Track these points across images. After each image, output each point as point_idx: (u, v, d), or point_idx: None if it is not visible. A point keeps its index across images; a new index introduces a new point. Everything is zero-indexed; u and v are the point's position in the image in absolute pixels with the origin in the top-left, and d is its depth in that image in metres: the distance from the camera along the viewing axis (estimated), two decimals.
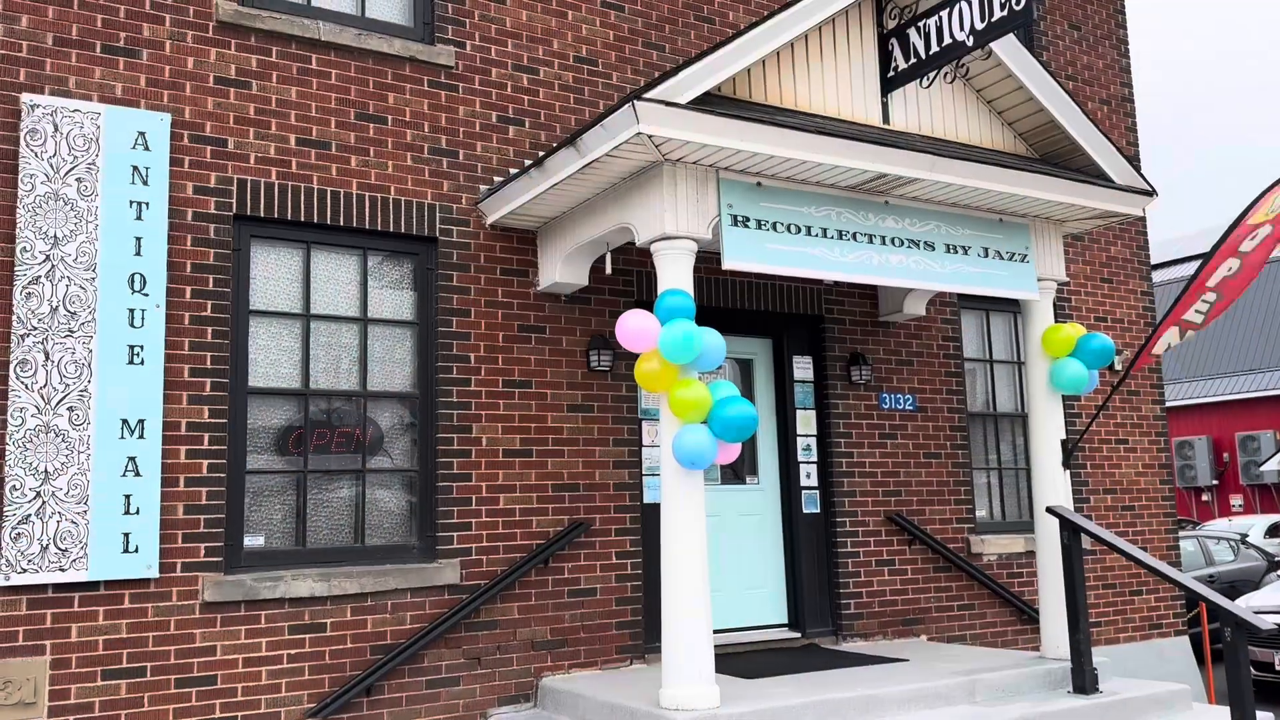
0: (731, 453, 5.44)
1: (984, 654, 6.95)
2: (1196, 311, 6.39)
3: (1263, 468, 26.99)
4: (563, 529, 6.52)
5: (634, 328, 5.25)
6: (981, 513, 8.55)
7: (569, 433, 6.68)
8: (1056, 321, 7.21)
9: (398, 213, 6.31)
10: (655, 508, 7.01)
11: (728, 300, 7.44)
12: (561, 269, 6.48)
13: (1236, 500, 28.81)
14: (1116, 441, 9.32)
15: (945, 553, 7.97)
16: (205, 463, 5.60)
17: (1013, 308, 8.95)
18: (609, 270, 6.33)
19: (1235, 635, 5.41)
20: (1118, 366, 9.40)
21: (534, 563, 6.34)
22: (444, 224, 6.45)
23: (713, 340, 5.32)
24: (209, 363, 5.69)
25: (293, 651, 5.67)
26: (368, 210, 6.23)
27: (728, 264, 5.63)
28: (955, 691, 6.00)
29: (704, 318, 7.40)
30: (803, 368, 7.84)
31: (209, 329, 5.72)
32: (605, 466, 6.77)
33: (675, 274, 5.55)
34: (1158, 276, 32.02)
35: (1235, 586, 12.93)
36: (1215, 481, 29.08)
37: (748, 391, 7.71)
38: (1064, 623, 6.53)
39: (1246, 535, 16.94)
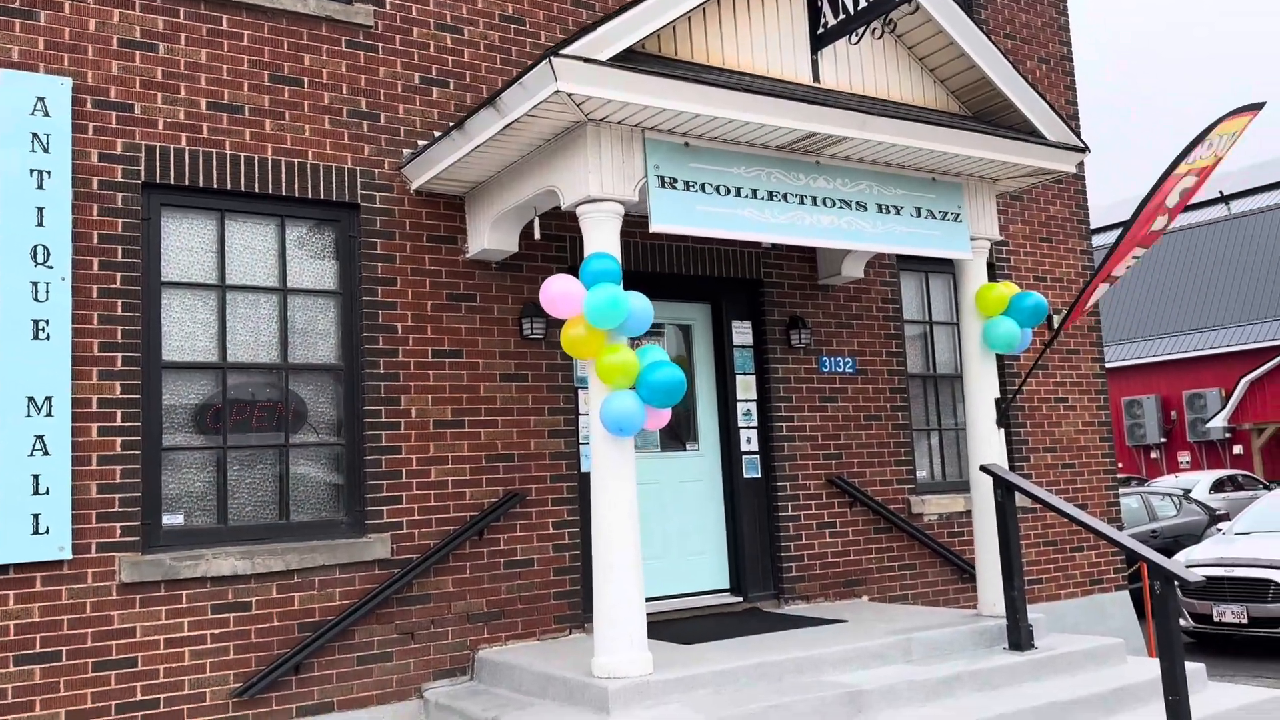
0: (661, 418, 5.36)
1: (922, 613, 6.98)
2: (1125, 266, 6.40)
3: (1209, 425, 27.54)
4: (497, 500, 6.42)
5: (558, 292, 5.14)
6: (922, 473, 8.58)
7: (502, 402, 6.56)
8: (995, 281, 7.18)
9: (316, 178, 6.12)
10: (588, 475, 6.91)
11: (665, 265, 7.34)
12: (490, 235, 6.33)
13: (1184, 457, 29.40)
14: (1056, 400, 9.38)
15: (886, 514, 7.98)
16: (119, 440, 5.42)
17: (952, 269, 8.93)
18: (537, 235, 6.19)
19: (1165, 589, 5.44)
20: (1055, 324, 9.43)
21: (468, 535, 6.24)
22: (366, 190, 6.27)
23: (639, 304, 5.22)
24: (120, 337, 5.49)
25: (216, 631, 5.53)
26: (284, 176, 6.03)
27: (655, 227, 5.52)
28: (891, 651, 6.01)
29: (640, 283, 7.29)
30: (742, 333, 7.78)
31: (119, 302, 5.52)
32: (540, 436, 6.67)
33: (601, 238, 5.43)
34: (1101, 240, 32.42)
35: (1178, 541, 13.17)
36: (1164, 439, 29.63)
37: (687, 358, 7.64)
38: (1000, 581, 6.56)
39: (1189, 491, 17.26)
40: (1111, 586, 9.48)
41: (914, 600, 8.11)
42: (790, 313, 7.88)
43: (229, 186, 5.88)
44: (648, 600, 7.09)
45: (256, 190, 5.95)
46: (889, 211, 6.41)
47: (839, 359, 8.07)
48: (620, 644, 5.19)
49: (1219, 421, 26.85)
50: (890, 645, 6.01)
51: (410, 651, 6.04)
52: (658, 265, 7.31)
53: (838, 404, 8.00)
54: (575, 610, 6.64)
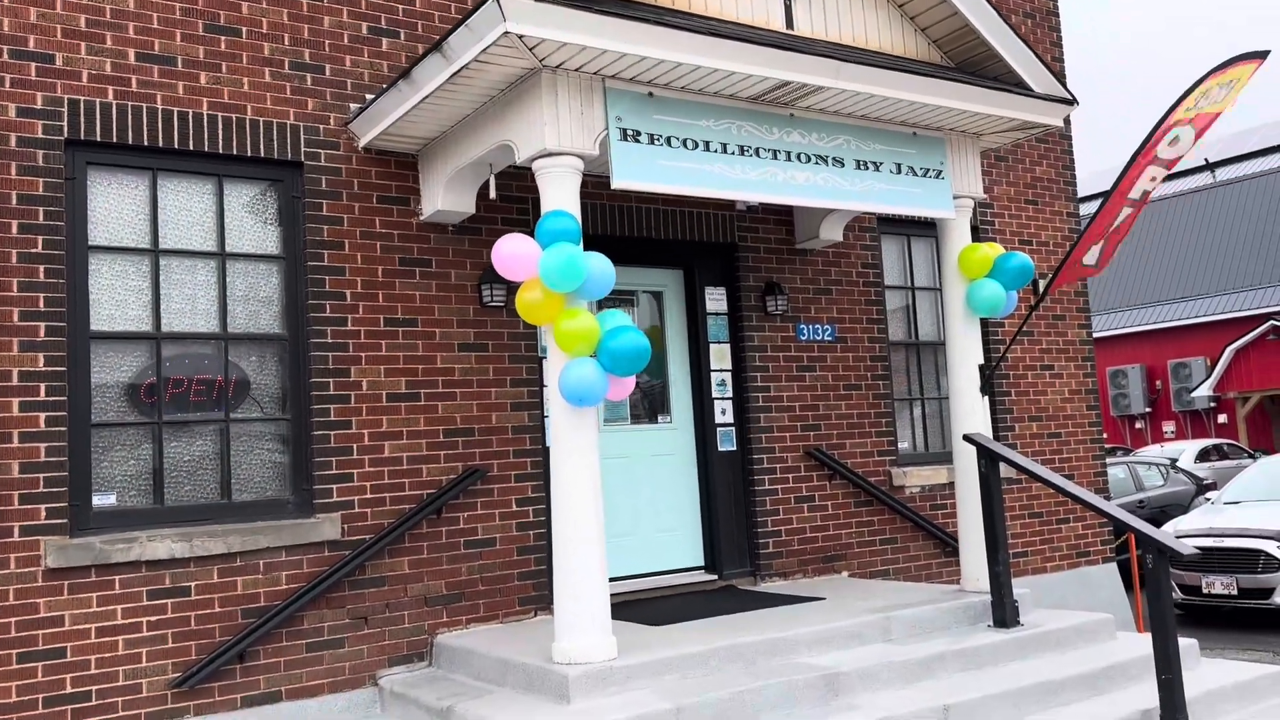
0: (624, 388, 5.03)
1: (903, 589, 6.69)
2: (1110, 228, 6.08)
3: (1194, 394, 27.42)
4: (456, 476, 6.08)
5: (510, 253, 4.78)
6: (904, 445, 8.28)
7: (461, 374, 6.21)
8: (978, 243, 6.83)
9: (256, 135, 5.72)
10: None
11: (634, 229, 6.97)
12: (444, 195, 5.95)
13: (1169, 427, 29.30)
14: (1042, 368, 9.08)
15: (867, 486, 7.69)
16: (42, 416, 5.05)
17: (935, 231, 8.58)
18: (493, 194, 5.81)
19: (1157, 561, 5.16)
20: (1042, 288, 9.12)
21: (425, 514, 5.90)
22: (310, 147, 5.88)
23: (599, 266, 4.87)
24: (42, 305, 5.11)
25: (153, 619, 5.19)
26: (221, 133, 5.63)
27: (617, 183, 5.16)
28: (870, 630, 5.72)
29: (608, 247, 6.93)
30: (716, 299, 7.43)
31: (41, 268, 5.13)
32: (502, 409, 6.32)
33: (559, 195, 5.07)
34: (1090, 209, 32.14)
35: (1165, 511, 12.96)
36: (1148, 409, 29.53)
37: (659, 325, 7.29)
38: (984, 555, 6.27)
39: (1176, 460, 17.08)
40: (1099, 558, 9.24)
41: (896, 575, 7.83)
42: (766, 278, 7.54)
43: (161, 144, 5.47)
44: (617, 580, 6.79)
45: (191, 148, 5.55)
46: (868, 168, 6.06)
47: (817, 326, 7.74)
48: (582, 628, 4.87)
49: (1204, 391, 26.73)
50: (869, 624, 5.72)
51: (364, 637, 5.72)
52: (627, 229, 6.95)
53: (816, 373, 7.68)
54: (541, 591, 6.32)
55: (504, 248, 4.78)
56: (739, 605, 6.32)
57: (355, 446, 5.82)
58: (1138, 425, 29.88)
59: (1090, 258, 6.27)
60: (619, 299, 7.11)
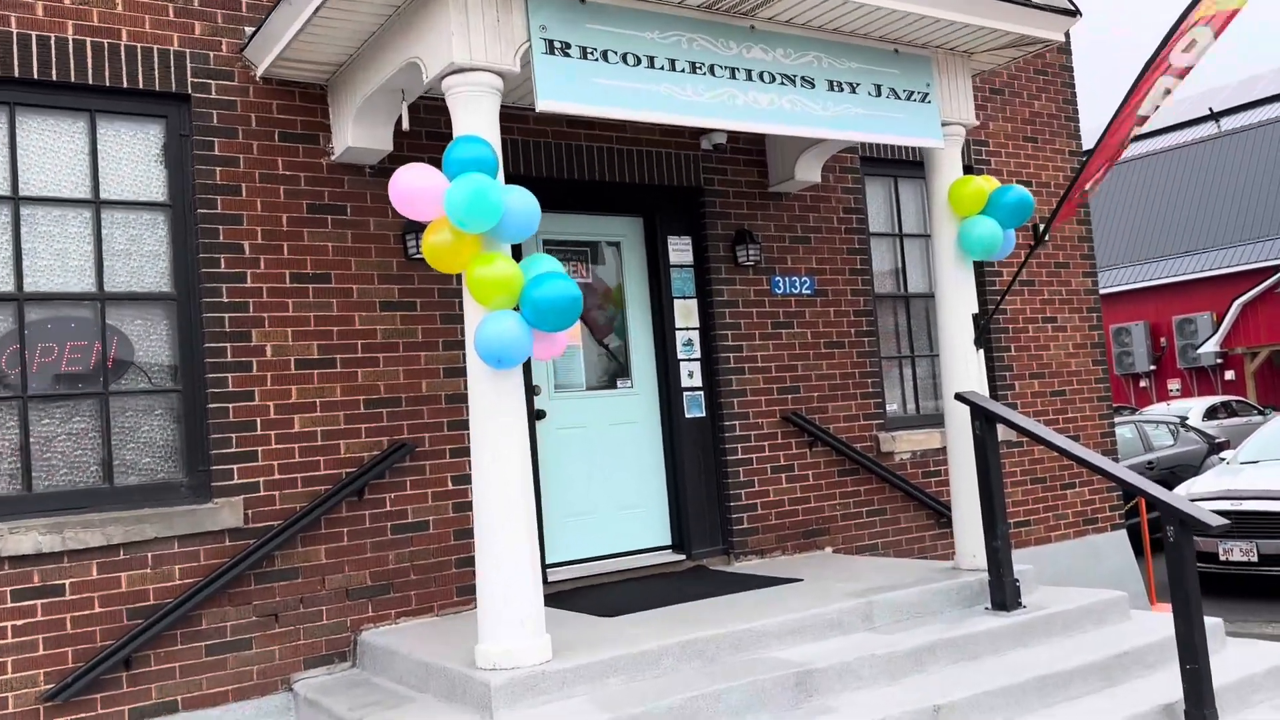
0: (552, 346, 4.29)
1: (890, 567, 5.99)
2: (1123, 145, 5.32)
3: (1200, 350, 26.66)
4: (381, 453, 5.36)
5: (409, 186, 4.02)
6: (893, 407, 7.55)
7: (384, 336, 5.47)
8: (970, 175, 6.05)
9: (133, 63, 4.95)
10: None
11: (585, 171, 6.21)
12: (354, 130, 5.19)
13: (1174, 385, 28.57)
14: (1044, 320, 8.33)
15: (851, 454, 6.97)
16: None
17: (925, 171, 7.80)
18: (405, 125, 5.04)
19: (1179, 534, 4.44)
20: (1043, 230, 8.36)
21: (344, 495, 5.19)
22: (199, 77, 5.10)
23: (520, 202, 4.11)
24: None
25: (19, 623, 4.49)
26: (91, 60, 4.85)
27: (542, 105, 4.39)
28: (850, 617, 5.02)
29: (556, 192, 6.17)
30: (680, 250, 6.67)
31: None
32: (433, 375, 5.59)
33: (473, 119, 4.31)
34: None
35: (1175, 472, 12.25)
36: (1153, 367, 28.78)
37: (616, 280, 6.54)
38: (980, 528, 5.56)
39: (1186, 419, 16.37)
40: (1107, 526, 8.54)
41: (885, 550, 7.13)
42: (736, 225, 6.78)
43: (18, 73, 4.70)
44: (571, 564, 6.09)
45: (55, 78, 4.78)
46: (842, 90, 5.28)
47: (794, 279, 6.98)
48: (509, 627, 4.16)
49: (1211, 346, 25.97)
50: (850, 610, 5.02)
51: (275, 637, 5.02)
52: (576, 170, 6.18)
53: (794, 330, 6.94)
54: None
55: (402, 179, 4.02)
56: (707, 589, 5.62)
57: (259, 421, 5.09)
58: (1142, 384, 29.15)
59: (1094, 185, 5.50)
60: (570, 251, 6.36)
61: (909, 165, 7.74)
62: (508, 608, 4.15)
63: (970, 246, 5.67)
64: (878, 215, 7.64)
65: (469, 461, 5.59)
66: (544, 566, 5.90)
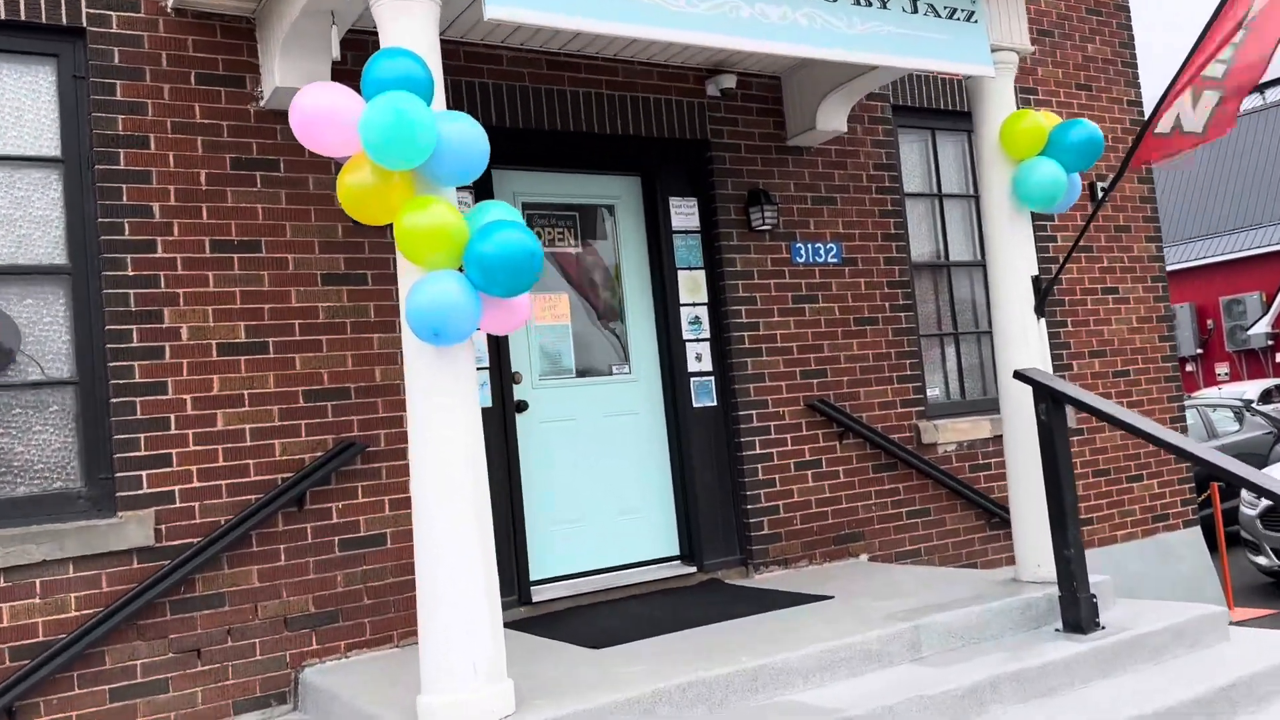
0: (509, 315, 3.40)
1: (938, 580, 5.05)
2: (1218, 62, 4.35)
3: (1250, 331, 25.35)
4: (325, 454, 4.50)
5: (312, 108, 3.14)
6: (934, 392, 6.60)
7: (327, 315, 4.61)
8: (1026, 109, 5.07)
9: None
10: None
11: (572, 121, 5.32)
12: (282, 66, 4.32)
13: (1222, 369, 27.25)
14: (1104, 291, 7.34)
15: (887, 446, 6.03)
16: None
17: (967, 125, 6.85)
18: (336, 54, 4.17)
19: None
20: (1100, 195, 7.37)
21: (280, 505, 4.34)
22: (96, 7, 4.26)
23: (460, 131, 3.22)
24: None
25: None
26: None
27: (491, 12, 3.50)
28: (892, 646, 4.10)
29: (539, 147, 5.30)
30: (684, 213, 5.77)
31: None
32: (389, 361, 4.72)
33: (402, 33, 3.42)
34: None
35: (1242, 460, 11.15)
36: (1200, 350, 27.48)
37: (610, 248, 5.64)
38: (1045, 532, 4.62)
39: (1252, 402, 15.21)
40: (1179, 523, 7.53)
41: (929, 557, 6.19)
42: (750, 185, 5.86)
43: None
44: (558, 580, 5.21)
45: None
46: (870, 4, 4.35)
47: (818, 246, 6.06)
48: (457, 674, 3.28)
49: (1262, 327, 24.66)
50: (892, 638, 4.10)
51: (196, 677, 4.17)
52: (560, 121, 5.29)
53: (819, 305, 6.01)
54: None
55: (304, 100, 3.14)
56: (720, 610, 4.72)
57: (174, 418, 4.24)
58: (1189, 368, 27.83)
59: (1192, 119, 4.53)
60: (555, 216, 5.47)
61: (948, 116, 6.78)
62: (455, 650, 3.27)
63: (1028, 195, 4.72)
64: (913, 173, 6.69)
65: None
66: (526, 585, 5.02)
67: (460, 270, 3.25)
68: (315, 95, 3.12)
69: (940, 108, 6.69)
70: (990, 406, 6.70)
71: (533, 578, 5.11)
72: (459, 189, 4.79)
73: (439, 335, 3.17)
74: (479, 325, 3.29)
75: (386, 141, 3.02)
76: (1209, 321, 27.50)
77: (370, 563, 4.57)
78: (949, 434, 6.35)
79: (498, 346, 5.08)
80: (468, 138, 3.21)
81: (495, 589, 3.37)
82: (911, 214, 6.62)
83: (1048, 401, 4.43)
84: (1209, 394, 19.04)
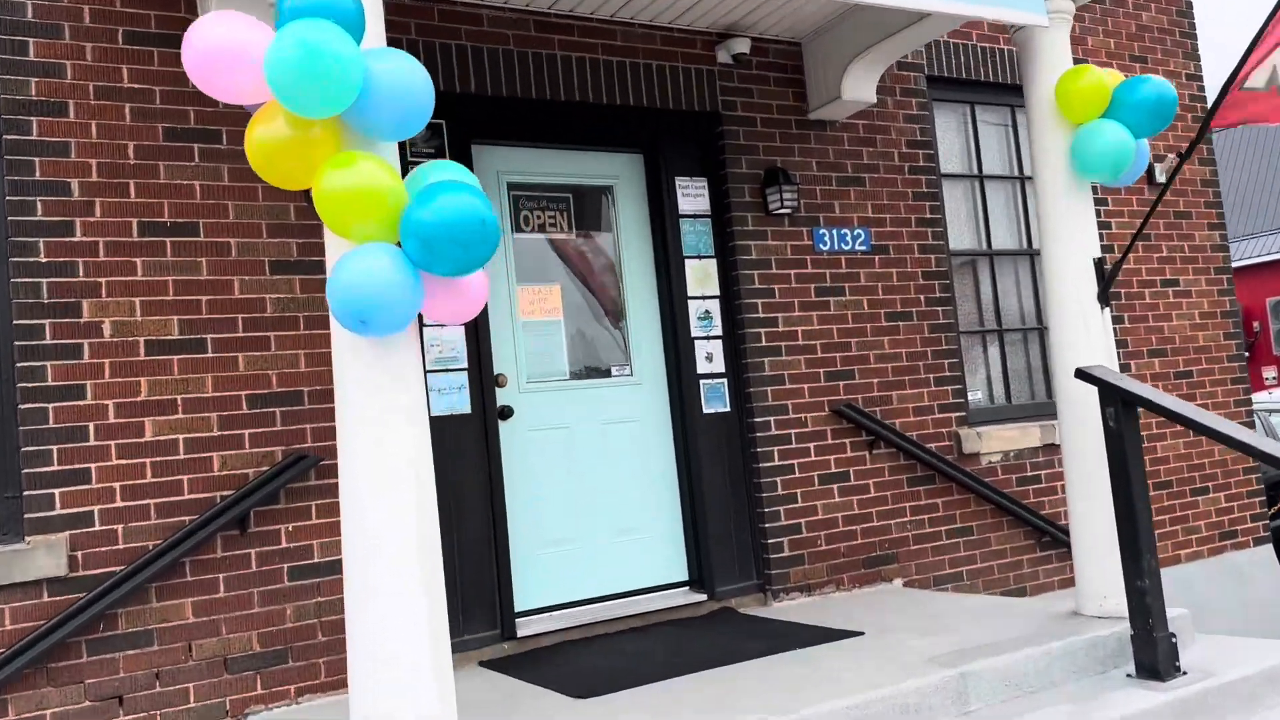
0: (459, 299, 2.78)
1: (985, 611, 4.37)
2: None
3: None
4: (273, 468, 3.90)
5: (210, 44, 2.53)
6: (976, 395, 5.92)
7: (277, 308, 4.02)
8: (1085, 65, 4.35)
9: None
10: (451, 422, 4.39)
11: (563, 90, 4.71)
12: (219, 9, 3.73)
13: (1270, 373, 26.14)
14: (1164, 283, 6.62)
15: (925, 456, 5.36)
16: None
17: (1010, 99, 6.17)
18: None
19: None
20: (1160, 177, 6.67)
21: (219, 527, 3.75)
22: None
23: (394, 69, 2.60)
24: None
25: None
26: None
27: None
28: (934, 697, 3.43)
29: (526, 119, 4.70)
30: (693, 195, 5.13)
31: None
32: None
33: None
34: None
35: None
36: (1246, 354, 26.38)
37: (608, 235, 5.01)
38: (1113, 558, 3.93)
39: None
40: (1249, 540, 6.78)
41: (971, 582, 5.51)
42: (767, 163, 5.22)
43: None
44: (548, 610, 4.58)
45: None
46: None
47: (844, 231, 5.40)
48: None
49: None
50: (935, 688, 3.43)
51: None
52: (550, 90, 4.68)
53: (846, 298, 5.36)
54: None
55: (200, 35, 2.53)
56: (731, 647, 4.07)
57: (93, 427, 3.66)
58: None
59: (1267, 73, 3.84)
60: (545, 199, 4.86)
61: (989, 88, 6.10)
62: (393, 710, 2.64)
63: (1089, 164, 4.05)
64: (951, 152, 6.02)
65: None
66: (511, 617, 4.39)
67: (398, 245, 2.63)
68: (213, 28, 2.52)
69: (980, 79, 6.01)
70: (1039, 412, 6.01)
71: (518, 608, 4.48)
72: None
73: (366, 324, 2.55)
74: (421, 312, 2.68)
75: (295, 81, 2.41)
76: (1255, 323, 26.42)
77: (325, 593, 3.97)
78: (994, 442, 5.66)
79: (477, 344, 4.47)
80: (404, 78, 2.60)
81: (443, 639, 2.74)
82: (949, 198, 5.95)
83: (1117, 405, 3.74)
84: (1261, 398, 18.09)
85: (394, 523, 2.68)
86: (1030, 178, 6.23)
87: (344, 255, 2.59)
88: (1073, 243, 4.13)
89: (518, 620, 4.44)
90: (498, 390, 4.57)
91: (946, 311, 5.67)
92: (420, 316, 3.14)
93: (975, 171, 6.07)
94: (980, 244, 6.05)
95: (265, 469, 3.89)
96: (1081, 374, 3.86)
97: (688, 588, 4.94)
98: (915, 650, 3.81)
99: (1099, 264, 4.14)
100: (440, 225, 2.53)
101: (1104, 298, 4.12)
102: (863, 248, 5.45)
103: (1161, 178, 6.67)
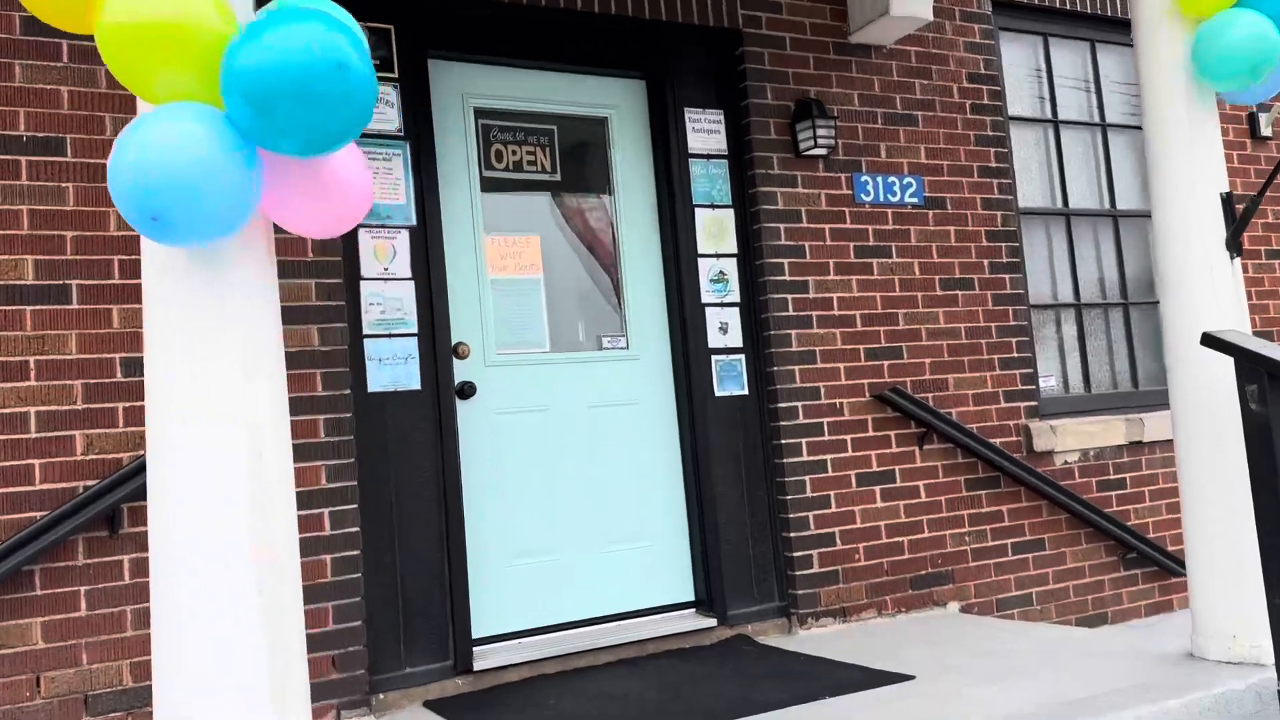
0: (317, 198, 1.90)
1: (1067, 647, 3.40)
2: None
3: None
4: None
5: None
6: (1050, 382, 4.94)
7: None
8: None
9: None
10: (394, 401, 3.53)
11: None
12: None
13: None
14: (1269, 254, 5.60)
15: (987, 454, 4.40)
16: None
17: (1091, 31, 5.19)
18: None
19: None
20: (1265, 129, 5.65)
21: (81, 525, 2.91)
22: None
23: None
24: None
25: None
26: None
27: None
28: None
29: (501, 31, 3.83)
30: (706, 130, 4.22)
31: None
32: None
33: None
34: None
35: None
36: None
37: (602, 176, 4.12)
38: (1243, 584, 2.96)
39: None
40: None
41: (1042, 607, 4.53)
42: (798, 93, 4.31)
43: None
44: (518, 636, 3.69)
45: None
46: None
47: (891, 180, 4.47)
48: None
49: None
50: None
51: None
52: None
53: (892, 260, 4.42)
54: (350, 670, 3.27)
55: None
56: (742, 693, 3.16)
57: None
58: None
59: None
60: (526, 131, 3.98)
61: (1065, 18, 5.13)
62: None
63: (1217, 66, 3.08)
64: (1019, 91, 5.05)
65: (327, 467, 3.28)
66: (466, 645, 3.51)
67: (222, 109, 1.77)
68: None
69: (1055, 5, 5.04)
70: (1124, 403, 5.02)
71: (478, 634, 3.60)
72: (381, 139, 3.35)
73: (162, 222, 1.69)
74: (259, 208, 1.80)
75: None
76: None
77: None
78: (1071, 438, 4.68)
79: (431, 303, 3.60)
80: None
81: (301, 682, 1.87)
82: (1017, 146, 4.98)
83: (1262, 380, 2.78)
84: None
85: (219, 531, 1.81)
86: (1114, 125, 5.26)
87: (133, 122, 1.72)
88: (1194, 173, 3.16)
89: (476, 649, 3.56)
90: (457, 362, 3.69)
91: (1015, 280, 4.71)
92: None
93: (1049, 115, 5.10)
94: (1053, 201, 5.07)
95: (144, 453, 3.04)
96: (1211, 340, 2.89)
97: (694, 610, 4.02)
98: (983, 705, 2.87)
99: (1227, 200, 3.17)
100: (273, 72, 1.66)
101: (1234, 244, 3.15)
102: (913, 200, 4.51)
103: (1267, 130, 5.66)
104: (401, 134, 3.62)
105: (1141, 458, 4.92)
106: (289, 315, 3.26)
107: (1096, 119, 5.24)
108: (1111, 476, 4.84)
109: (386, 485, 3.47)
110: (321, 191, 1.84)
